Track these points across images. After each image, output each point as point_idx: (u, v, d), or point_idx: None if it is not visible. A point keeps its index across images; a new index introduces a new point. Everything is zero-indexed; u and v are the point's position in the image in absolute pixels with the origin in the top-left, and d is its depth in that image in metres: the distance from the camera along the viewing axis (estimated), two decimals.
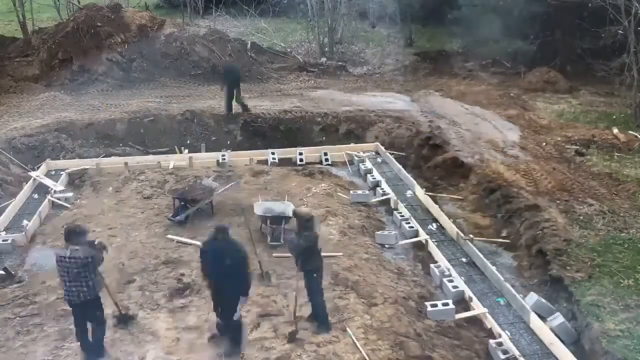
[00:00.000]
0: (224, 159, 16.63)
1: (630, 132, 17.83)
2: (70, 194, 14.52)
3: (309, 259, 9.06)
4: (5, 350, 8.92)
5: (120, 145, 18.06)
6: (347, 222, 12.90)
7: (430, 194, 14.69)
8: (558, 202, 13.27)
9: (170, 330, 9.33)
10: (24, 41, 25.26)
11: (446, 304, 10.13)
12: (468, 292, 10.63)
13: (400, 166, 16.24)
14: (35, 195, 14.65)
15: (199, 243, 11.81)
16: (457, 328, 9.85)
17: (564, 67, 24.37)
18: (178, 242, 11.99)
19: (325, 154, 17.22)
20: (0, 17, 33.78)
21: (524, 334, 9.79)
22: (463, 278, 11.12)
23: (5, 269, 11.11)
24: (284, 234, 11.82)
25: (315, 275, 9.10)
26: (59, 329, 9.36)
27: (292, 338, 8.95)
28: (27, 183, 14.98)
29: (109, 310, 9.12)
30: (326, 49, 28.65)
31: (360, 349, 8.72)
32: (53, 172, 15.95)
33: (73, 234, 8.31)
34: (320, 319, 9.26)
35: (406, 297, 10.37)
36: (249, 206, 12.59)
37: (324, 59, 27.73)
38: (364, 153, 17.25)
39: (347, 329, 9.18)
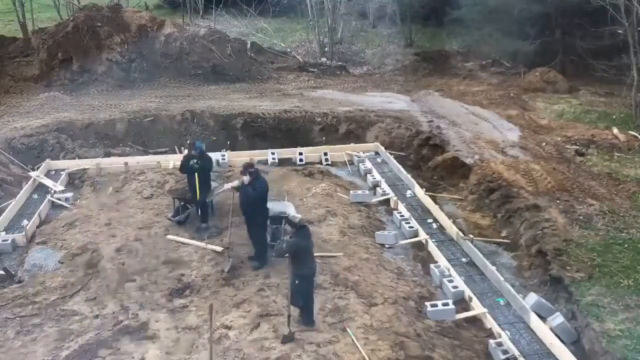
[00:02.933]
0: (224, 159, 16.63)
1: (630, 132, 17.84)
2: (70, 194, 14.51)
3: (295, 263, 9.19)
4: (5, 351, 8.92)
5: (120, 145, 18.06)
6: (347, 222, 12.91)
7: (430, 194, 14.69)
8: (558, 202, 13.27)
9: (170, 330, 9.34)
10: (24, 41, 25.24)
11: (446, 304, 10.14)
12: (468, 292, 10.64)
13: (400, 166, 16.24)
14: (35, 196, 14.64)
15: (199, 243, 11.83)
16: (457, 328, 9.85)
17: (564, 67, 24.37)
18: (178, 242, 11.99)
19: (325, 154, 17.22)
20: (0, 17, 33.75)
21: (524, 333, 9.79)
22: (463, 278, 11.12)
23: (5, 269, 11.11)
24: (283, 234, 11.83)
25: (297, 282, 9.15)
26: (58, 329, 9.37)
27: (285, 340, 8.94)
28: (27, 183, 14.97)
29: None
30: (326, 49, 28.64)
31: (360, 349, 8.72)
32: (53, 172, 15.95)
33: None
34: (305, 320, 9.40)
35: (406, 297, 10.37)
36: None
37: (324, 59, 27.73)
38: (363, 153, 17.25)
39: (347, 329, 9.18)
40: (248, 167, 11.21)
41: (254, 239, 11.35)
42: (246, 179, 10.98)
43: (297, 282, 9.15)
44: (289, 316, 9.06)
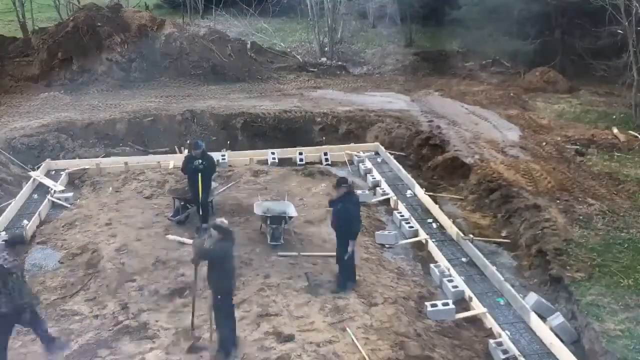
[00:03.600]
0: (224, 158, 16.63)
1: (630, 131, 17.85)
2: (70, 194, 14.51)
3: (213, 274, 8.48)
4: None
5: (120, 145, 18.07)
6: None
7: (430, 193, 14.69)
8: (558, 201, 13.27)
9: (170, 330, 9.33)
10: (24, 41, 25.23)
11: (446, 304, 10.14)
12: (468, 292, 10.64)
13: (400, 166, 16.23)
14: (35, 196, 14.64)
15: None
16: (457, 328, 9.85)
17: (563, 66, 24.34)
18: (179, 242, 11.98)
19: (326, 153, 17.21)
20: (0, 17, 33.76)
21: (524, 333, 9.79)
22: (463, 278, 11.12)
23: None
24: (283, 233, 11.84)
25: (219, 297, 8.51)
26: (58, 329, 9.37)
27: (189, 350, 8.73)
28: (27, 183, 14.97)
29: None
30: (326, 49, 28.63)
31: (360, 349, 8.72)
32: (53, 172, 15.95)
33: None
34: (222, 348, 8.66)
35: (406, 297, 10.37)
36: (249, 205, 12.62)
37: (323, 59, 27.72)
38: (364, 153, 17.24)
39: (347, 329, 9.18)
40: (340, 182, 10.47)
41: (337, 255, 10.58)
42: (339, 192, 10.30)
43: (219, 297, 8.49)
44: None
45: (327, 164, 16.89)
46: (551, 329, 9.69)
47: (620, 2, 18.44)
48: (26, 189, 14.70)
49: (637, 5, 18.01)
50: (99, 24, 23.51)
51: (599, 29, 20.62)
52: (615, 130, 17.87)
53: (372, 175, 15.69)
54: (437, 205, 13.98)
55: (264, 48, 28.12)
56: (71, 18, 24.99)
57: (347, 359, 8.59)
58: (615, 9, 18.92)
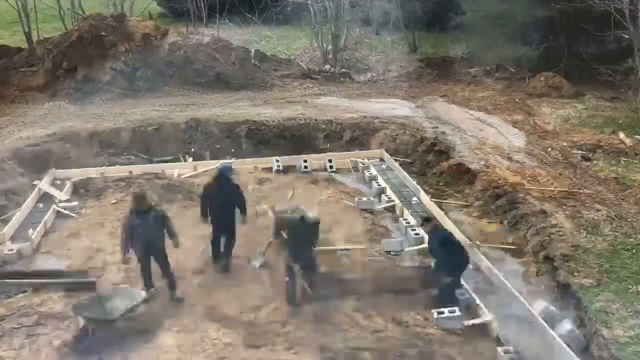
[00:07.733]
0: None
1: (637, 136, 17.76)
2: (75, 204, 14.50)
3: None
4: None
5: (125, 154, 18.06)
6: (352, 230, 12.86)
7: (435, 200, 14.62)
8: (565, 207, 13.20)
9: (178, 339, 9.30)
10: (29, 51, 25.30)
11: (453, 312, 10.06)
12: (475, 299, 10.56)
13: (405, 173, 16.18)
14: (41, 205, 14.63)
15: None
16: (464, 336, 9.77)
17: (568, 71, 24.25)
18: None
19: (330, 161, 17.17)
20: (6, 28, 33.97)
21: (532, 341, 9.68)
22: (470, 285, 11.03)
23: None
24: None
25: None
26: (64, 339, 9.33)
27: None
28: (32, 192, 14.97)
29: None
30: (330, 56, 28.66)
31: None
32: (58, 182, 15.95)
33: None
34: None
35: (413, 304, 10.30)
36: None
37: (327, 66, 27.74)
38: (368, 160, 17.20)
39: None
40: None
41: None
42: None
43: None
44: None
45: (332, 171, 16.84)
46: (559, 336, 9.59)
47: (624, 6, 18.41)
48: (31, 198, 14.69)
49: None
50: (104, 33, 23.59)
51: (604, 34, 20.59)
52: (621, 135, 17.79)
53: (377, 182, 15.64)
54: (442, 212, 13.91)
55: (268, 56, 28.13)
56: (76, 28, 25.08)
57: None
58: (619, 14, 18.90)
